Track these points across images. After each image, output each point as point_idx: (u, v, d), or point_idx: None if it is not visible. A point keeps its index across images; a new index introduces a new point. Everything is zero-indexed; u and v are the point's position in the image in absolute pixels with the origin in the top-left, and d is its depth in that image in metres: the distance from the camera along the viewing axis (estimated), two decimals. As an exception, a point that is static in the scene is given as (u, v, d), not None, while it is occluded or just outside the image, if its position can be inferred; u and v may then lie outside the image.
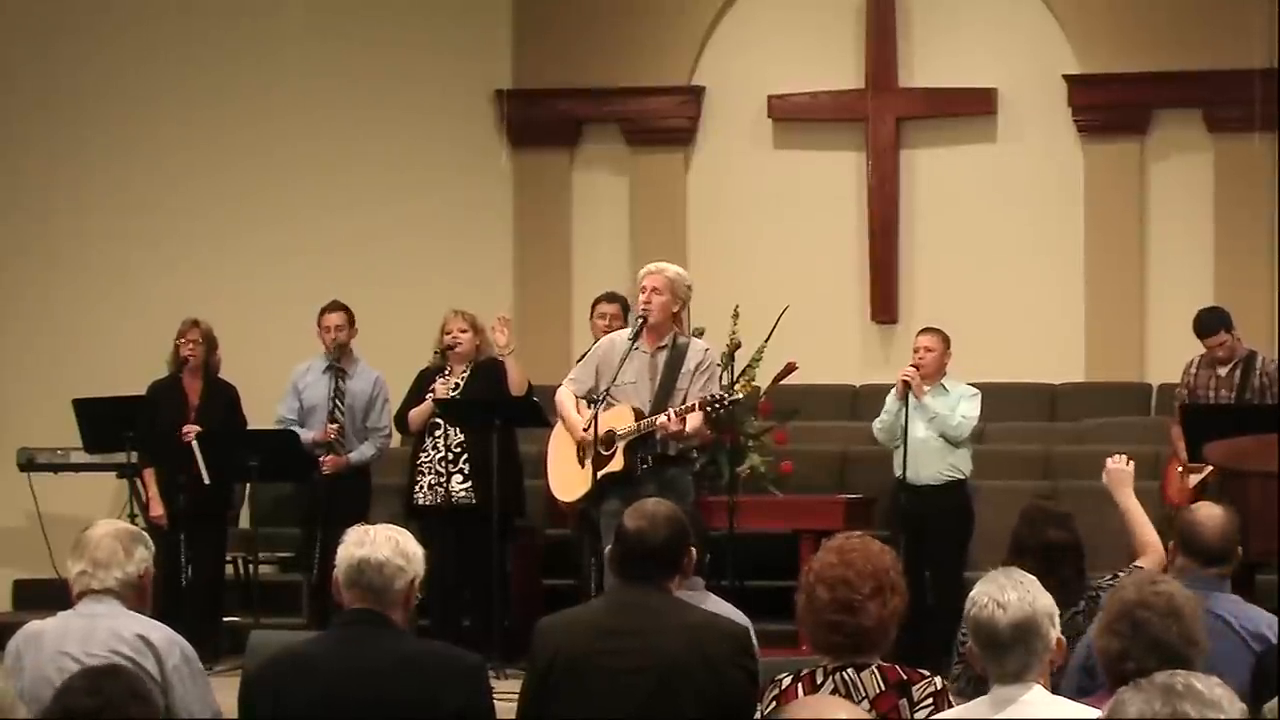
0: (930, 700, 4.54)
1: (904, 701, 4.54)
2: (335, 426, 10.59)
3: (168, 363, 10.81)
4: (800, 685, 4.62)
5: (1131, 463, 6.71)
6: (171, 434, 10.54)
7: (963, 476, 10.27)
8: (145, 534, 5.33)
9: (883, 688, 4.57)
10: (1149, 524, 6.61)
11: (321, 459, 10.55)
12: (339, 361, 10.74)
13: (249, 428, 10.81)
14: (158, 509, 10.59)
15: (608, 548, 5.43)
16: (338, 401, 10.68)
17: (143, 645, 5.07)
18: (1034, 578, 4.35)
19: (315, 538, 10.28)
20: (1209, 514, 5.81)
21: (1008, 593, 4.27)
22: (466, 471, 10.14)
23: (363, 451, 10.70)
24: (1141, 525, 6.56)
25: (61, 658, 5.00)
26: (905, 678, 4.59)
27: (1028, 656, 4.24)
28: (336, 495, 10.38)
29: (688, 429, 8.64)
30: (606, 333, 10.03)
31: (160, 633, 5.13)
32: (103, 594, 5.16)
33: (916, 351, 10.31)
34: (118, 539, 5.21)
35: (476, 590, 10.08)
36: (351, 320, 10.79)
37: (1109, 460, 6.70)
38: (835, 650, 4.62)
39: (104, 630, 5.08)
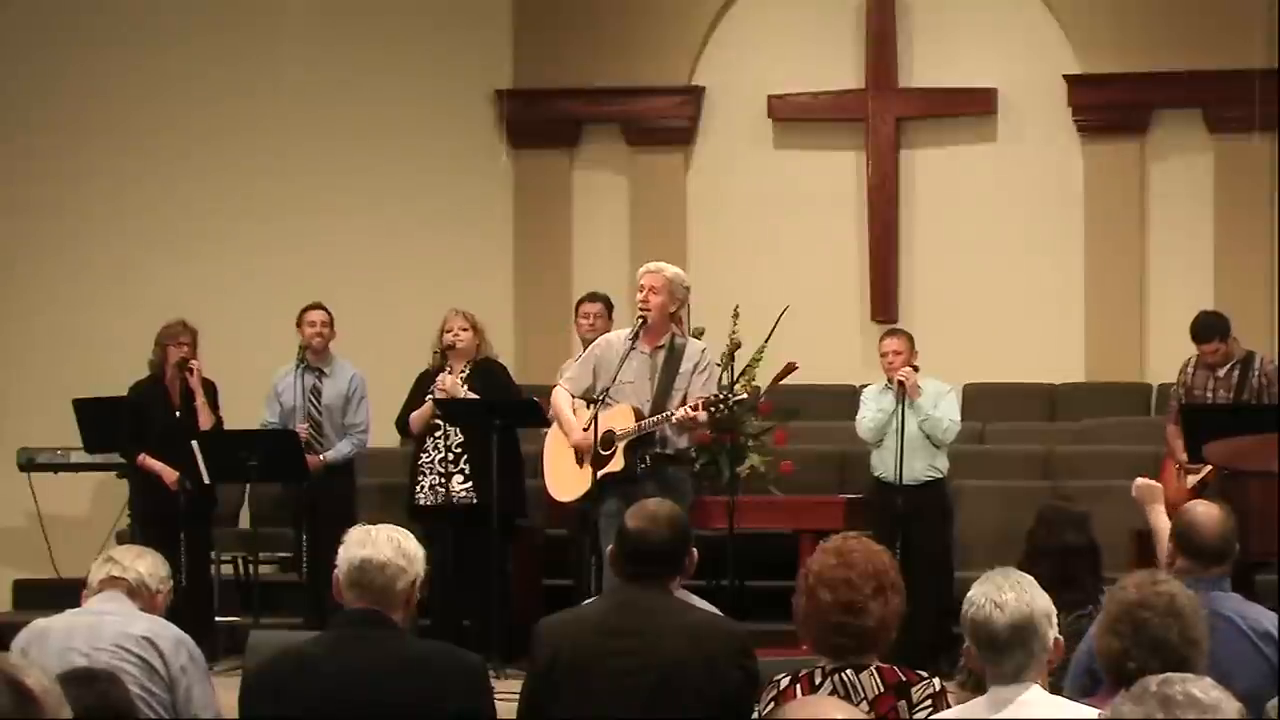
0: (929, 702, 4.52)
1: (903, 703, 4.52)
2: (305, 426, 10.57)
3: (151, 363, 10.74)
4: (798, 686, 4.60)
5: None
6: (164, 433, 10.52)
7: (943, 475, 10.41)
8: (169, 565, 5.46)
9: (881, 689, 4.55)
10: None
11: None
12: (305, 360, 10.71)
13: (249, 428, 10.79)
14: (172, 474, 10.53)
15: (608, 548, 5.43)
16: (313, 400, 10.68)
17: (149, 644, 5.08)
18: (1031, 578, 4.35)
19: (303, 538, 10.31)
20: (1207, 513, 5.75)
21: (1005, 593, 4.26)
22: (467, 472, 10.14)
23: (339, 449, 10.69)
24: (1165, 542, 6.61)
25: (69, 654, 5.01)
26: (904, 679, 4.57)
27: (1026, 657, 4.23)
28: (319, 495, 10.39)
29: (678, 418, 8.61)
30: (590, 332, 10.06)
31: (168, 632, 5.15)
32: (119, 584, 5.21)
33: (885, 356, 10.36)
34: (151, 553, 5.38)
35: (476, 590, 10.07)
36: (331, 322, 10.79)
37: (1140, 479, 6.89)
38: (838, 652, 4.60)
39: (111, 628, 5.10)
